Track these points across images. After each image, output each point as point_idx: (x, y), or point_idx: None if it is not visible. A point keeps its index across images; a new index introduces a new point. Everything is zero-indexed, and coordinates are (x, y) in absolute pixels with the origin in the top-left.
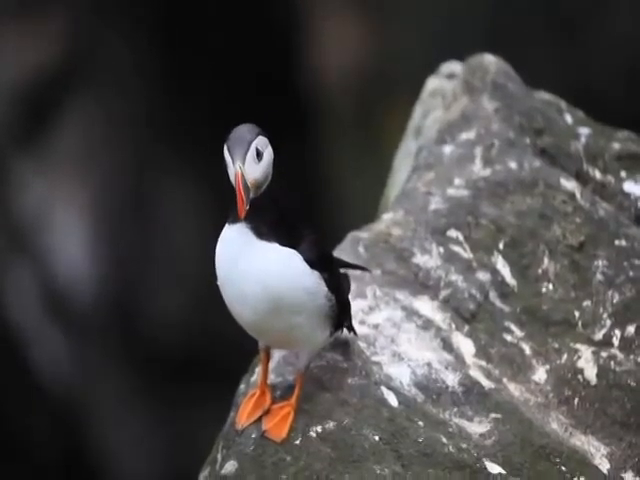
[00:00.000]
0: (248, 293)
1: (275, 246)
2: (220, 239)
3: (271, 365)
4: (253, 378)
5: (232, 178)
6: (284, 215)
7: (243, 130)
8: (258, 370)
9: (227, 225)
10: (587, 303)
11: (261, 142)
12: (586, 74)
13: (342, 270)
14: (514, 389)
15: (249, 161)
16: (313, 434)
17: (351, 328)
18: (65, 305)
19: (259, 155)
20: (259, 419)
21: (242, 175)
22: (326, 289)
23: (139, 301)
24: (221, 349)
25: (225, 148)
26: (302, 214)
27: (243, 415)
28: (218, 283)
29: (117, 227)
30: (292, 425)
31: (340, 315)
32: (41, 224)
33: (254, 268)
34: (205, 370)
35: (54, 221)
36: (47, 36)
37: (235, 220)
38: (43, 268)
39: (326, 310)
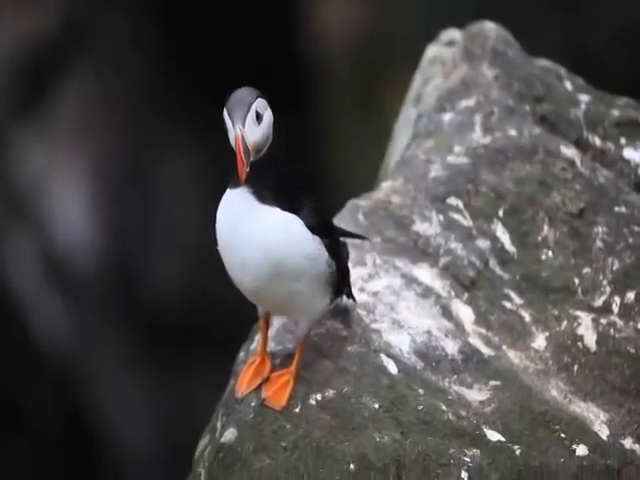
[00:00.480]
0: (248, 258)
1: (276, 211)
2: (221, 204)
3: (271, 333)
4: (253, 346)
5: (232, 141)
6: (285, 180)
7: (242, 93)
8: (258, 338)
9: (228, 190)
10: (587, 270)
11: (260, 104)
12: (586, 41)
13: (341, 239)
14: (513, 356)
15: (249, 123)
16: (313, 402)
17: (350, 295)
18: (64, 272)
19: (259, 117)
20: (259, 387)
21: (242, 137)
22: (327, 255)
23: (139, 268)
24: (221, 316)
25: (225, 112)
26: (302, 179)
27: (243, 383)
28: (218, 248)
29: (117, 195)
30: (292, 393)
31: (340, 282)
32: (40, 192)
33: (255, 233)
34: (205, 337)
35: (53, 189)
36: (46, 7)
37: (236, 184)
38: (43, 236)
39: (326, 276)
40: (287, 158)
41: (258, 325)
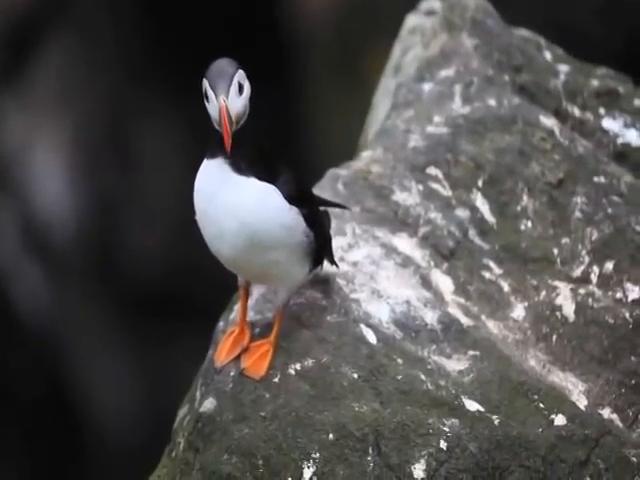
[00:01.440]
0: (225, 228)
1: (253, 181)
2: (198, 174)
3: (250, 302)
4: (232, 316)
5: (214, 112)
6: (262, 150)
7: (223, 64)
8: (237, 307)
9: (205, 160)
10: (566, 240)
11: (241, 75)
12: (565, 11)
13: (322, 208)
14: (492, 326)
15: (232, 95)
16: (292, 371)
17: (333, 262)
18: (44, 241)
19: (240, 88)
20: (238, 357)
21: (227, 109)
22: (304, 225)
23: (119, 237)
24: (201, 286)
25: (205, 82)
26: (281, 149)
27: (222, 353)
28: (196, 218)
29: (97, 164)
30: (271, 363)
31: (319, 251)
32: (21, 161)
33: (231, 203)
34: (185, 307)
35: (34, 158)
36: None
37: (214, 155)
38: (22, 205)
39: (304, 246)
40: (265, 128)
41: (238, 294)
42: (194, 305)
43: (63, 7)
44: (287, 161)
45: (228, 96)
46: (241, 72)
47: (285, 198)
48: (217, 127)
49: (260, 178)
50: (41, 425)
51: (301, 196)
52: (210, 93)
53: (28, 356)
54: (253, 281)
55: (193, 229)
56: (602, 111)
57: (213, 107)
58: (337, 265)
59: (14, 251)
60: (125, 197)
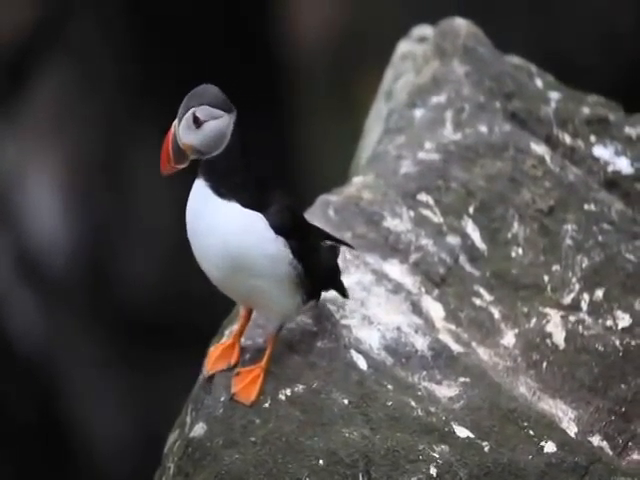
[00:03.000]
0: (210, 249)
1: (234, 205)
2: (191, 192)
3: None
4: (223, 340)
5: None
6: (249, 178)
7: (195, 93)
8: (229, 330)
9: (196, 179)
10: (556, 267)
11: (204, 112)
12: (556, 38)
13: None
14: (483, 353)
15: (184, 125)
16: (282, 397)
17: (344, 295)
18: (38, 267)
19: (197, 122)
20: (227, 370)
21: (173, 133)
22: (291, 256)
23: (112, 264)
24: (194, 313)
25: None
26: (275, 179)
27: (210, 362)
28: (188, 236)
29: (91, 190)
30: (262, 388)
31: (314, 283)
32: (14, 186)
33: (215, 224)
34: (177, 334)
35: (27, 183)
36: (18, 4)
37: (198, 175)
38: (15, 230)
39: (291, 277)
40: (257, 156)
41: (238, 314)
42: (186, 332)
43: (59, 34)
44: (285, 191)
45: (179, 125)
46: (205, 109)
47: (272, 227)
48: None
49: (244, 205)
50: (32, 451)
51: (292, 227)
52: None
53: (20, 382)
54: (242, 304)
55: (187, 255)
56: (593, 139)
57: None
58: (347, 295)
59: (7, 277)
60: (119, 223)
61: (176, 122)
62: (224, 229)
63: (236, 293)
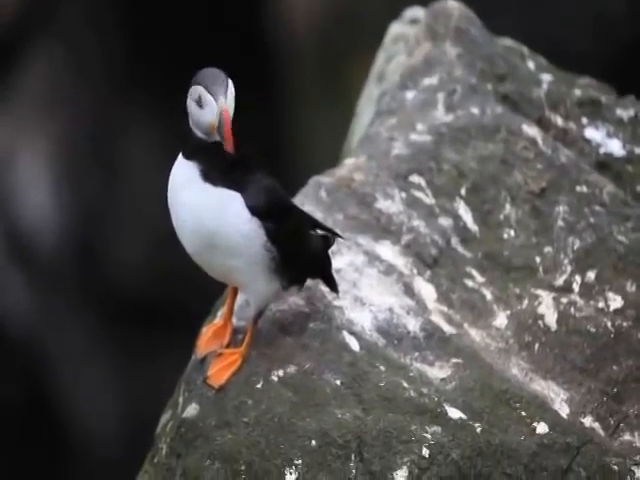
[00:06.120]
0: (185, 225)
1: (214, 185)
2: (173, 168)
3: (235, 307)
4: (216, 320)
5: (211, 116)
6: (236, 161)
7: (214, 71)
8: (221, 312)
9: (180, 156)
10: (548, 249)
11: (230, 82)
12: (548, 22)
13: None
14: (475, 334)
15: (230, 98)
16: (275, 378)
17: (335, 289)
18: (28, 250)
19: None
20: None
21: (228, 109)
22: (265, 239)
23: (103, 246)
24: (185, 295)
25: (199, 88)
26: (260, 159)
27: (202, 344)
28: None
29: (81, 173)
30: (235, 374)
31: (295, 270)
32: (4, 168)
33: (193, 203)
34: (168, 315)
35: (17, 165)
36: None
37: (189, 157)
38: (6, 212)
39: (266, 260)
40: (247, 138)
41: (223, 297)
42: (178, 314)
43: (48, 18)
44: (267, 172)
45: (226, 99)
46: (230, 79)
47: (248, 208)
48: (198, 131)
49: (227, 186)
50: (24, 434)
51: (269, 209)
52: (207, 98)
53: (11, 365)
54: (221, 280)
55: (177, 238)
56: (585, 121)
57: (210, 111)
58: (337, 290)
59: None
60: (109, 206)
61: (222, 99)
62: (201, 207)
63: (214, 271)
